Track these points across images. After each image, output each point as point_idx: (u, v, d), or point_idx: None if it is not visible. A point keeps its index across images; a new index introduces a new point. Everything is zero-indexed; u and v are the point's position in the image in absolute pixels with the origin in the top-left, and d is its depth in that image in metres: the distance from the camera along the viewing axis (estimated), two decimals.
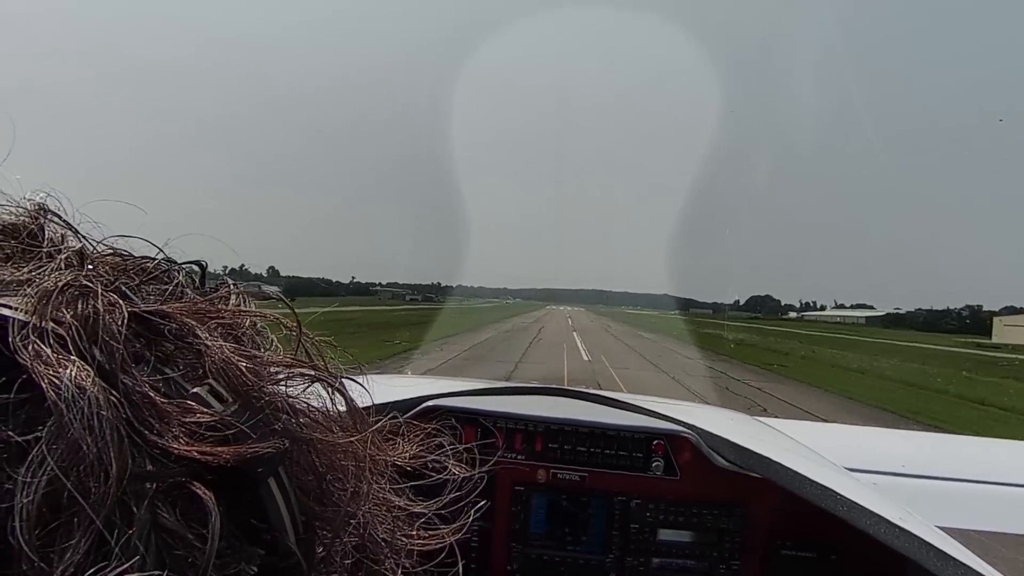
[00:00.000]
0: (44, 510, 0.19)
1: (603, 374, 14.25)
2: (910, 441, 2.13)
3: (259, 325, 0.29)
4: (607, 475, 1.21)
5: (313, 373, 0.28)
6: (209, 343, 0.25)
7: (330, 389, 0.29)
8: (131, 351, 0.23)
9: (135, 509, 0.20)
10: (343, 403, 0.29)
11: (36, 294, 0.22)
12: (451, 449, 0.36)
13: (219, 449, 0.22)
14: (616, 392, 1.50)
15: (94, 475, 0.19)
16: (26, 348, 0.21)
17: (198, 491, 0.21)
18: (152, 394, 0.22)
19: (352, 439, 0.28)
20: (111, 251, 0.28)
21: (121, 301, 0.23)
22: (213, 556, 0.21)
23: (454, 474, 0.35)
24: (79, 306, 0.22)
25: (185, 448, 0.22)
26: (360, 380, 0.32)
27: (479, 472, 0.36)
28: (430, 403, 1.19)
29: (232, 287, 0.30)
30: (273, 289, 0.33)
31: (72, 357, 0.21)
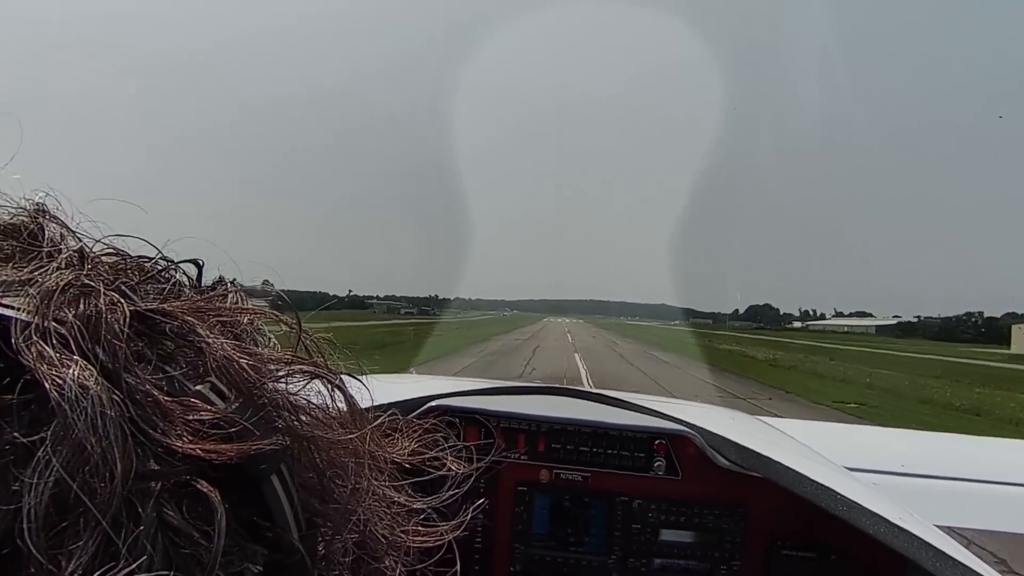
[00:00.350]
0: (51, 511, 0.19)
1: None
2: (909, 440, 2.14)
3: (257, 323, 0.29)
4: (609, 475, 1.22)
5: (312, 370, 0.28)
6: (210, 340, 0.25)
7: (330, 386, 0.29)
8: (133, 350, 0.23)
9: (141, 508, 0.20)
10: (343, 400, 0.29)
11: (38, 294, 0.22)
12: (450, 447, 0.36)
13: (223, 447, 0.22)
14: (617, 391, 1.51)
15: (99, 475, 0.19)
16: (29, 349, 0.21)
17: (203, 489, 0.22)
18: (155, 392, 0.22)
19: (352, 436, 0.28)
20: (110, 250, 0.28)
21: (122, 300, 0.23)
22: (220, 554, 0.21)
23: (453, 471, 0.36)
24: (81, 306, 0.22)
25: (189, 446, 0.22)
26: (360, 378, 0.32)
27: (477, 467, 0.37)
28: (434, 403, 1.20)
29: (229, 285, 0.30)
30: (272, 289, 0.33)
31: (75, 357, 0.21)
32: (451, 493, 0.35)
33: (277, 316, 0.30)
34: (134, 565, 0.19)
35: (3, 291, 0.23)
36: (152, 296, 0.26)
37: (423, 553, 0.32)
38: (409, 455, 0.33)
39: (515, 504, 1.23)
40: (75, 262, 0.25)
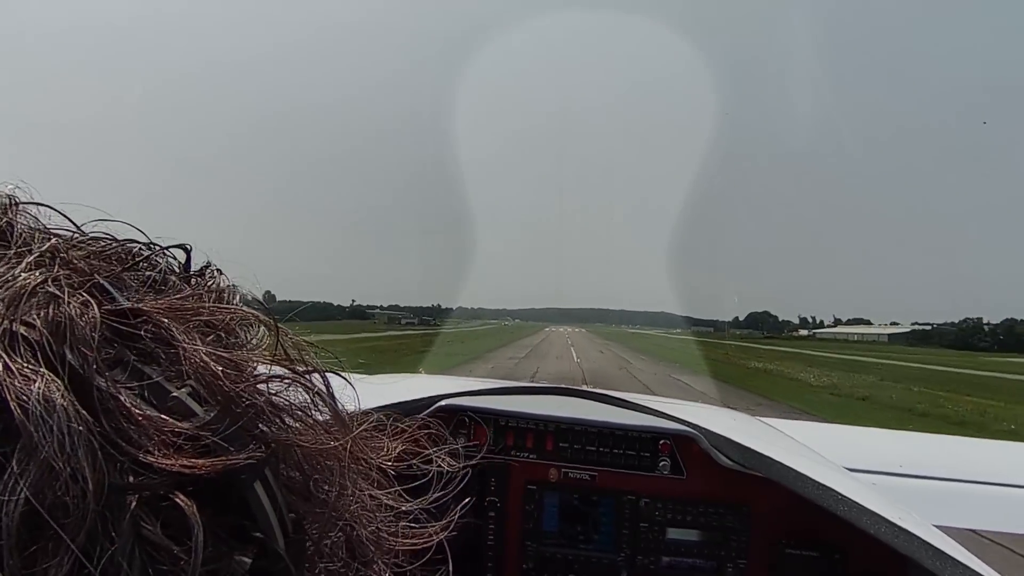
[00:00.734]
0: (23, 530, 0.18)
1: None
2: (908, 441, 2.16)
3: (239, 320, 0.28)
4: (616, 474, 1.24)
5: (293, 375, 0.28)
6: (186, 345, 0.24)
7: (311, 387, 0.28)
8: (107, 354, 0.22)
9: (117, 524, 0.20)
10: (326, 400, 0.29)
11: (3, 300, 0.21)
12: (436, 449, 0.36)
13: (199, 461, 0.22)
14: (622, 392, 1.53)
15: (70, 492, 0.19)
16: None
17: (181, 503, 0.21)
18: (128, 403, 0.21)
19: (336, 437, 0.28)
20: (90, 238, 0.27)
21: (94, 302, 0.22)
22: (198, 569, 0.21)
23: (441, 471, 0.36)
24: (50, 310, 0.21)
25: (165, 461, 0.21)
26: (346, 377, 0.31)
27: (463, 468, 0.37)
28: (443, 403, 1.22)
29: (215, 272, 0.29)
30: (256, 293, 0.31)
31: (40, 370, 0.20)
32: (438, 494, 0.34)
33: (257, 316, 0.28)
34: None
35: None
36: (135, 286, 0.25)
37: (414, 554, 0.31)
38: (396, 457, 0.33)
39: (525, 502, 1.26)
40: (47, 261, 0.24)
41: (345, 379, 0.31)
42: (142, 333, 0.23)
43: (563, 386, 1.55)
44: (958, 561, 0.82)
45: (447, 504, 0.34)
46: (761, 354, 38.58)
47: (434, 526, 0.32)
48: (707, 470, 1.20)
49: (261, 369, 0.27)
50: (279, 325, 0.28)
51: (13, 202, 0.26)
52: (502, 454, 1.25)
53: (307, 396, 0.28)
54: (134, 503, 0.20)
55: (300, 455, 0.26)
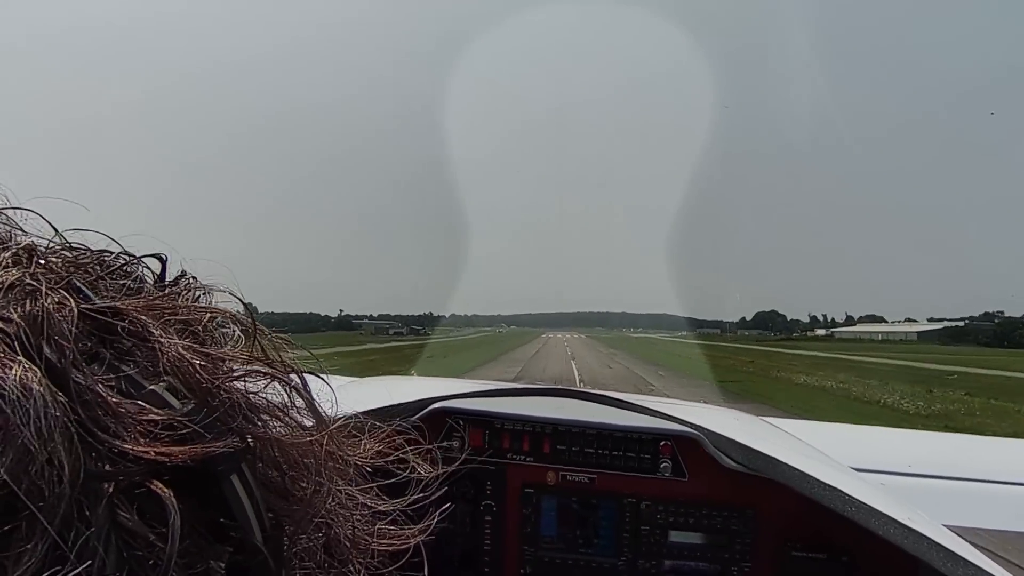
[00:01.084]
0: None
1: None
2: (916, 440, 2.13)
3: (218, 320, 0.28)
4: (616, 477, 1.22)
5: (270, 370, 0.28)
6: (163, 340, 0.24)
7: (287, 385, 0.28)
8: (85, 349, 0.22)
9: (93, 510, 0.20)
10: (303, 396, 0.29)
11: None
12: (414, 449, 0.36)
13: (174, 449, 0.22)
14: (620, 393, 1.51)
15: (46, 478, 0.19)
16: None
17: (158, 490, 0.21)
18: (105, 393, 0.22)
19: (312, 435, 0.28)
20: (66, 245, 0.27)
21: (71, 299, 0.23)
22: (174, 555, 0.21)
23: (420, 473, 0.35)
24: (27, 305, 0.22)
25: (141, 448, 0.21)
26: (324, 377, 0.31)
27: (444, 471, 0.36)
28: (437, 405, 1.19)
29: (191, 280, 0.30)
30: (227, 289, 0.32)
31: (19, 358, 0.20)
32: (416, 496, 0.34)
33: (234, 316, 0.29)
34: (81, 568, 0.19)
35: None
36: (111, 292, 0.26)
37: (391, 557, 0.31)
38: (373, 457, 0.33)
39: (523, 506, 1.23)
40: (23, 259, 0.24)
41: (323, 379, 0.31)
42: (119, 330, 0.24)
43: (559, 387, 1.53)
44: (969, 562, 0.79)
45: (426, 507, 0.34)
46: (791, 361, 31.96)
47: (412, 528, 0.32)
48: (710, 472, 1.17)
49: (238, 367, 0.27)
50: (257, 324, 0.29)
51: None
52: (498, 457, 1.23)
53: (284, 395, 0.28)
54: (111, 490, 0.21)
55: (278, 452, 0.26)
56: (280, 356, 0.29)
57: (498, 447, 1.23)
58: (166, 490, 0.21)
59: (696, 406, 1.73)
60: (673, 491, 1.21)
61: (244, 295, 0.31)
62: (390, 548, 0.31)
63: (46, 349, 0.21)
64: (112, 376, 0.23)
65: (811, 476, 0.99)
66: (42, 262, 0.24)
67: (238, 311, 0.30)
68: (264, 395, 0.27)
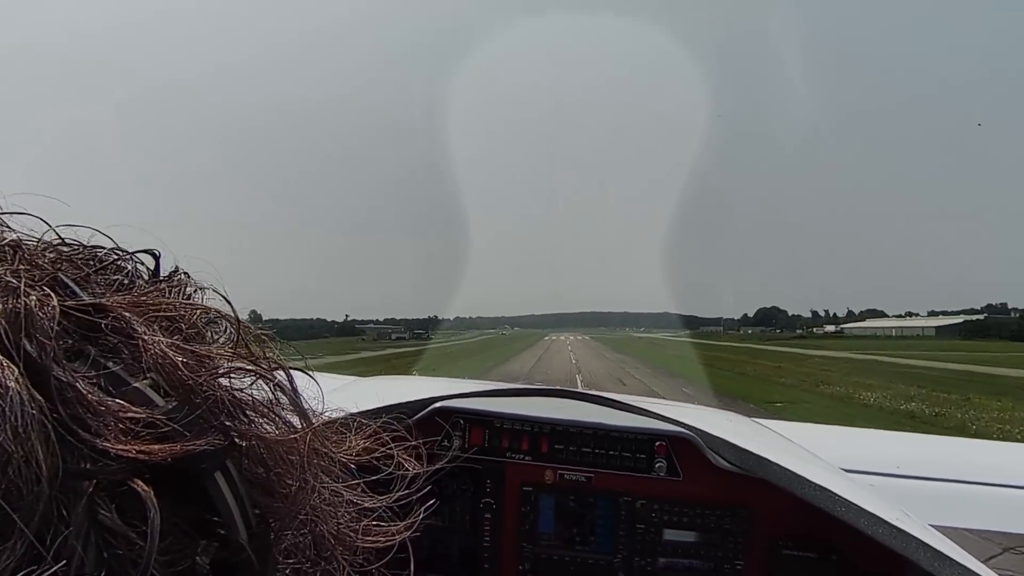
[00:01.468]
0: None
1: None
2: (905, 442, 2.16)
3: (206, 318, 0.28)
4: (612, 476, 1.24)
5: (254, 367, 0.28)
6: (147, 337, 0.24)
7: (272, 383, 0.28)
8: (67, 346, 0.22)
9: (72, 509, 0.20)
10: (288, 393, 0.29)
11: None
12: (399, 446, 0.36)
13: (156, 447, 0.22)
14: (617, 393, 1.53)
15: (23, 476, 0.19)
16: None
17: (138, 489, 0.21)
18: (86, 391, 0.22)
19: (297, 433, 0.28)
20: (56, 241, 0.27)
21: (54, 295, 0.23)
22: (154, 553, 0.21)
23: (406, 470, 0.35)
24: (8, 301, 0.22)
25: (122, 447, 0.21)
26: (311, 374, 0.31)
27: (430, 470, 0.36)
28: (438, 405, 1.21)
29: (183, 276, 0.30)
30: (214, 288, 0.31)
31: None
32: (401, 493, 0.34)
33: (219, 313, 0.28)
34: (57, 566, 0.19)
35: None
36: (101, 288, 0.26)
37: (378, 553, 0.31)
38: (359, 454, 0.33)
39: (521, 504, 1.25)
40: (8, 256, 0.24)
41: (311, 376, 0.31)
42: (103, 327, 0.23)
43: (558, 388, 1.55)
44: (956, 562, 0.82)
45: (412, 504, 0.34)
46: (824, 367, 26.87)
47: (397, 525, 0.32)
48: (703, 472, 1.19)
49: (224, 364, 0.27)
50: (242, 321, 0.28)
51: None
52: (497, 456, 1.25)
53: (270, 392, 0.28)
54: (91, 488, 0.20)
55: (263, 449, 0.26)
56: (265, 352, 0.29)
57: (497, 446, 1.25)
58: (147, 488, 0.21)
59: (690, 407, 1.75)
60: (668, 490, 1.23)
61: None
62: (376, 545, 0.31)
63: (26, 346, 0.21)
64: (96, 373, 0.22)
65: (802, 476, 1.01)
66: (27, 258, 0.24)
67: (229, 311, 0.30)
68: (250, 392, 0.27)
